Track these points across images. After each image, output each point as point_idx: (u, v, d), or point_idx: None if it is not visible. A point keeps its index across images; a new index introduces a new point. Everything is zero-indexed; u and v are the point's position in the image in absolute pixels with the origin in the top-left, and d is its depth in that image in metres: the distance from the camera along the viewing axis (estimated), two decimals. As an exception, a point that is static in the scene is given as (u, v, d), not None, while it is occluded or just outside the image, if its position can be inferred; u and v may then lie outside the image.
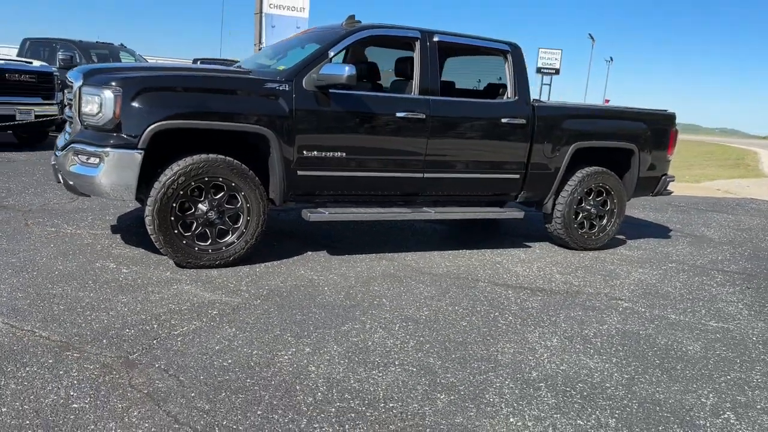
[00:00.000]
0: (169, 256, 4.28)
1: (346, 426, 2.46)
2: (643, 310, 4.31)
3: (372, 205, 5.07)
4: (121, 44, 15.04)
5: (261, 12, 14.28)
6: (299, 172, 4.57)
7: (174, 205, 4.18)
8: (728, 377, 3.28)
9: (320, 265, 4.71)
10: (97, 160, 4.05)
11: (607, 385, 3.06)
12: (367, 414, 2.57)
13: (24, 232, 4.93)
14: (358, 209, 4.90)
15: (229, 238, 4.44)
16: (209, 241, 4.38)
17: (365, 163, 4.81)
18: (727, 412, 2.88)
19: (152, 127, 4.02)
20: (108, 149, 4.02)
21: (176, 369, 2.82)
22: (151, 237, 4.19)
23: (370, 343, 3.30)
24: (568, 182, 5.78)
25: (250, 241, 4.47)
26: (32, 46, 13.91)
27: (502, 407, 2.73)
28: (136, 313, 3.45)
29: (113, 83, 4.02)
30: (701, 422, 2.75)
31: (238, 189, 4.37)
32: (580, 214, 5.93)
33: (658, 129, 6.24)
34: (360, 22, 5.05)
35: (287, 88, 4.44)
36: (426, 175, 5.06)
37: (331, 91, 4.57)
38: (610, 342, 3.64)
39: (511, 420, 2.63)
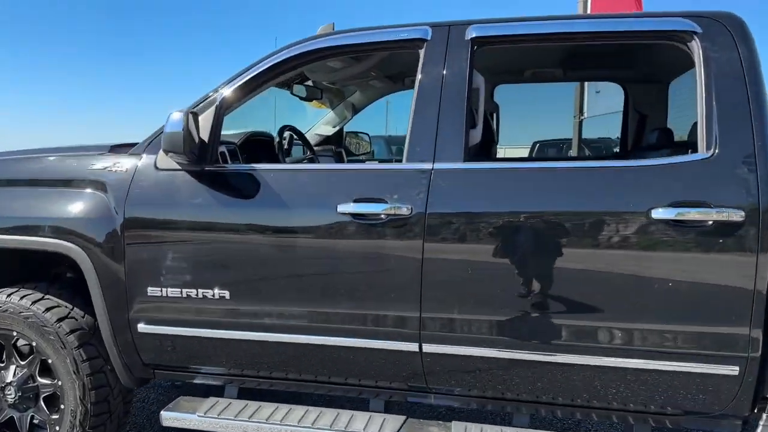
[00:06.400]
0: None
1: None
2: None
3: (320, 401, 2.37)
4: None
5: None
6: (141, 327, 2.34)
7: (-48, 371, 2.53)
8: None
9: None
10: None
11: None
12: None
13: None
14: (270, 409, 2.29)
15: (41, 436, 2.50)
16: (17, 435, 2.54)
17: (274, 313, 2.23)
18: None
19: None
20: None
21: None
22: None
23: None
24: None
25: (65, 447, 2.42)
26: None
27: None
28: None
29: None
30: None
31: (42, 352, 2.44)
32: None
33: None
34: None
35: (122, 169, 2.38)
36: (426, 347, 2.10)
37: (206, 168, 2.29)
38: None
39: None
